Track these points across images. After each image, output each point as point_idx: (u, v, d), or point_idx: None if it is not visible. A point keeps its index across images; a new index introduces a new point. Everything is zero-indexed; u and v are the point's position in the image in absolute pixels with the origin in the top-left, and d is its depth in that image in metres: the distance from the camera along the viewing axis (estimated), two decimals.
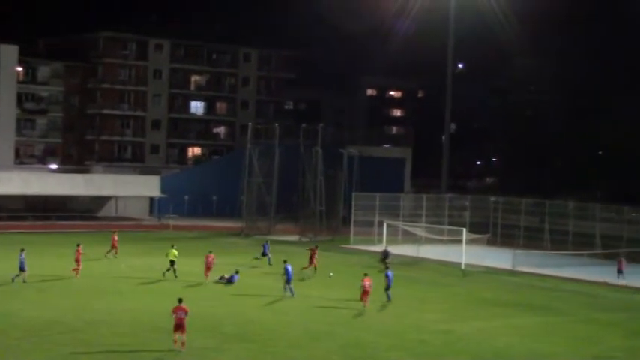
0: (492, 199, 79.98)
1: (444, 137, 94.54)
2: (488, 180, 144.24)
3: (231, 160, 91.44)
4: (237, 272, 46.12)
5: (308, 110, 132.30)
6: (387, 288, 41.33)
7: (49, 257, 52.51)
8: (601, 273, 54.94)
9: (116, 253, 53.69)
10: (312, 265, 49.82)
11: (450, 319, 37.99)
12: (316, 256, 50.31)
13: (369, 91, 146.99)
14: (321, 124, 78.09)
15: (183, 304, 29.59)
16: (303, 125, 78.85)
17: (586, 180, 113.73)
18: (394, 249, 61.22)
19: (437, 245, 64.94)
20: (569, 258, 62.68)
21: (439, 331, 34.97)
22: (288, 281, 41.59)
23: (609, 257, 60.45)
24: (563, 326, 37.79)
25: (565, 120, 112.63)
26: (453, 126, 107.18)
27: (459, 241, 58.87)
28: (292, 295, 41.22)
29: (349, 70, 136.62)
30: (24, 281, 42.49)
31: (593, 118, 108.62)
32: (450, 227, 67.57)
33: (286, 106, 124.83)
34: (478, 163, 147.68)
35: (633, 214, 76.51)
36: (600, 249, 65.61)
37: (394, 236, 66.14)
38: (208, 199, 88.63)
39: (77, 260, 45.44)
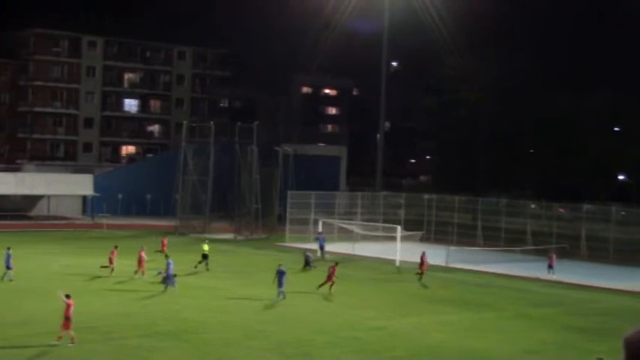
0: (426, 196, 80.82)
1: (378, 135, 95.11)
2: (422, 178, 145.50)
3: (166, 159, 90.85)
4: (167, 257, 45.35)
5: (243, 108, 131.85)
6: (280, 285, 40.95)
7: None
8: (532, 268, 55.87)
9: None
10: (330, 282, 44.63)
11: (384, 315, 38.26)
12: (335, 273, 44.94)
13: (304, 89, 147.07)
14: (257, 122, 78.02)
15: (70, 300, 29.68)
16: (239, 123, 78.66)
17: (517, 177, 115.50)
18: (330, 246, 61.49)
19: (372, 242, 65.34)
20: (502, 254, 63.59)
21: (374, 327, 35.21)
22: (280, 284, 40.93)
23: (540, 253, 61.47)
24: (496, 322, 38.34)
25: (497, 118, 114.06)
26: (387, 124, 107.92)
27: (394, 238, 59.31)
28: (284, 297, 40.59)
29: (284, 69, 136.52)
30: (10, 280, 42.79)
31: (524, 116, 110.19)
32: (385, 224, 68.05)
33: (221, 104, 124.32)
34: (412, 161, 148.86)
35: (563, 211, 78.01)
36: (531, 245, 66.70)
37: (330, 234, 66.35)
38: (142, 198, 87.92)
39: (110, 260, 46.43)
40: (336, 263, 46.35)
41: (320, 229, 63.39)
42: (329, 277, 44.15)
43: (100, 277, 45.48)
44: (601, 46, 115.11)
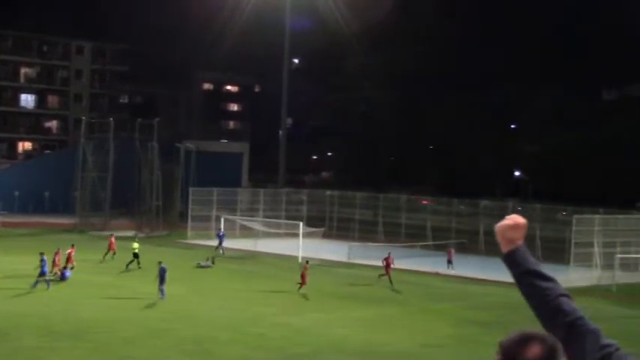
0: (328, 192, 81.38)
1: (280, 132, 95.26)
2: (324, 174, 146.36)
3: (64, 155, 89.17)
4: (71, 268, 45.04)
5: (144, 104, 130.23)
6: (162, 282, 40.09)
7: None
8: (432, 264, 56.77)
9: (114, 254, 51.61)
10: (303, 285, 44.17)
11: (287, 312, 38.40)
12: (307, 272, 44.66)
13: (206, 86, 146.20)
14: (157, 119, 77.26)
15: None
16: (139, 119, 77.74)
17: (418, 174, 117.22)
18: (232, 243, 61.34)
19: (274, 239, 65.43)
20: (403, 250, 64.40)
21: (277, 324, 35.31)
22: (161, 282, 40.04)
23: (440, 248, 62.52)
24: (397, 316, 38.87)
25: (398, 116, 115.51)
26: (289, 121, 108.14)
27: (296, 235, 59.52)
28: (163, 297, 39.65)
29: (185, 64, 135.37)
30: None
31: (424, 113, 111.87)
32: (287, 221, 68.23)
33: (121, 100, 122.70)
34: (314, 157, 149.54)
35: (462, 207, 79.53)
36: (431, 240, 67.80)
37: (232, 230, 66.21)
38: (40, 196, 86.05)
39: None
40: (307, 262, 46.25)
41: (222, 226, 63.22)
42: (302, 277, 43.81)
43: None
44: (498, 44, 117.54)
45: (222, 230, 61.61)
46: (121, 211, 76.88)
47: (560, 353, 3.44)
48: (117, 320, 34.57)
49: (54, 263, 44.15)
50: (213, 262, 52.92)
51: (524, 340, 3.45)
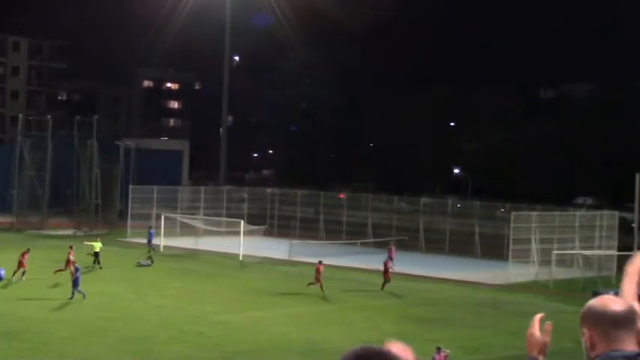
0: (269, 190, 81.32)
1: (221, 130, 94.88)
2: (265, 172, 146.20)
3: (1, 153, 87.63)
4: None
5: (83, 101, 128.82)
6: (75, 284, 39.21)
7: None
8: (373, 261, 56.95)
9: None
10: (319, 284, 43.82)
11: (227, 310, 38.28)
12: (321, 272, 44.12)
13: (146, 83, 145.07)
14: (96, 116, 76.39)
15: None
16: (78, 117, 76.73)
17: (359, 171, 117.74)
18: (173, 242, 60.94)
19: (215, 237, 65.15)
20: (344, 247, 64.60)
21: (217, 322, 35.18)
22: (75, 284, 39.02)
23: (380, 245, 62.80)
24: (338, 314, 38.97)
25: (339, 113, 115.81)
26: (230, 118, 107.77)
27: (237, 233, 59.34)
28: (73, 295, 38.90)
29: (125, 62, 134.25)
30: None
31: (365, 111, 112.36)
32: (228, 219, 67.97)
33: (60, 97, 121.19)
34: (255, 155, 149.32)
35: (402, 204, 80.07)
36: (372, 238, 68.09)
37: (172, 228, 65.77)
38: None
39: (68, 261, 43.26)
40: (320, 262, 45.13)
41: (153, 223, 62.77)
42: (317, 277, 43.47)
43: None
44: (438, 44, 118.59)
45: (153, 228, 60.95)
46: (59, 209, 75.86)
47: None
48: (56, 320, 34.12)
49: (20, 264, 43.32)
50: (152, 261, 52.54)
51: (365, 356, 3.39)
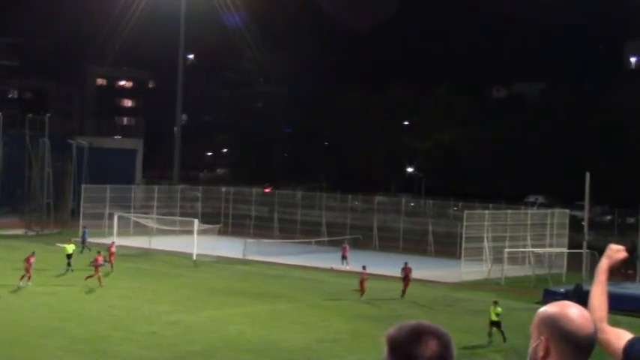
0: (223, 189, 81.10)
1: (175, 128, 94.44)
2: (220, 171, 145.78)
3: None
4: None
5: (34, 99, 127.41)
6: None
7: None
8: (327, 259, 57.10)
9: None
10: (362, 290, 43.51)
11: (181, 309, 38.11)
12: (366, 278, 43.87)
13: (99, 81, 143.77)
14: (48, 114, 75.59)
15: None
16: (29, 115, 75.87)
17: (313, 170, 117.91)
18: (126, 241, 60.49)
19: (169, 236, 64.85)
20: (298, 246, 64.66)
21: (170, 322, 35.01)
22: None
23: (334, 244, 62.94)
24: (293, 312, 39.00)
25: (293, 112, 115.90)
26: (184, 117, 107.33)
27: (191, 232, 59.08)
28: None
29: (77, 59, 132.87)
30: None
31: (319, 110, 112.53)
32: (182, 218, 67.64)
33: (10, 95, 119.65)
34: (209, 154, 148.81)
35: (356, 202, 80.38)
36: (326, 236, 68.22)
37: (126, 228, 65.28)
38: None
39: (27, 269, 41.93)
40: (364, 267, 44.62)
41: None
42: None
43: None
44: (393, 43, 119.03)
45: (86, 227, 60.37)
46: (9, 209, 74.96)
47: (453, 347, 3.22)
48: (5, 322, 33.71)
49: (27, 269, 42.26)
50: (106, 261, 52.06)
51: (418, 333, 3.18)
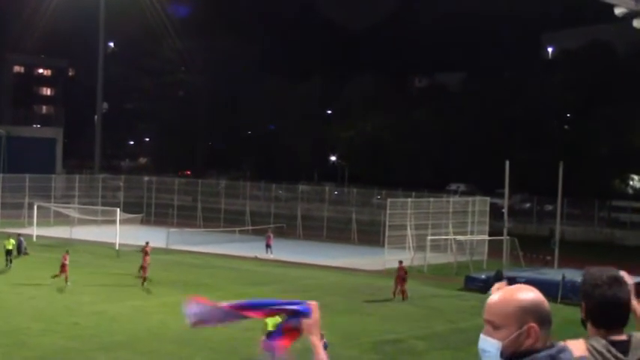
0: (146, 178, 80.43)
1: (96, 117, 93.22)
2: (142, 160, 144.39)
3: None
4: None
5: None
6: None
7: None
8: (251, 248, 57.13)
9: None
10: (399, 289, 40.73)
11: (104, 300, 37.75)
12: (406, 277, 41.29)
13: (16, 69, 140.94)
14: None
15: None
16: None
17: (236, 159, 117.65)
18: (46, 231, 59.59)
19: (91, 226, 64.08)
20: (221, 235, 64.54)
21: (93, 312, 34.65)
22: None
23: (258, 233, 62.97)
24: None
25: (215, 101, 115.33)
26: (105, 106, 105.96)
27: (113, 222, 58.49)
28: None
29: None
30: None
31: (242, 100, 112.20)
32: (104, 208, 66.93)
33: None
34: (131, 142, 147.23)
35: (280, 192, 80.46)
36: (250, 225, 68.20)
37: (46, 218, 64.29)
38: None
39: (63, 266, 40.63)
40: (401, 261, 42.88)
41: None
42: (400, 279, 40.78)
43: None
44: (315, 33, 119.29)
45: (21, 236, 59.01)
46: None
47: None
48: None
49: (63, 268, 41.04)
50: (26, 252, 51.27)
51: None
